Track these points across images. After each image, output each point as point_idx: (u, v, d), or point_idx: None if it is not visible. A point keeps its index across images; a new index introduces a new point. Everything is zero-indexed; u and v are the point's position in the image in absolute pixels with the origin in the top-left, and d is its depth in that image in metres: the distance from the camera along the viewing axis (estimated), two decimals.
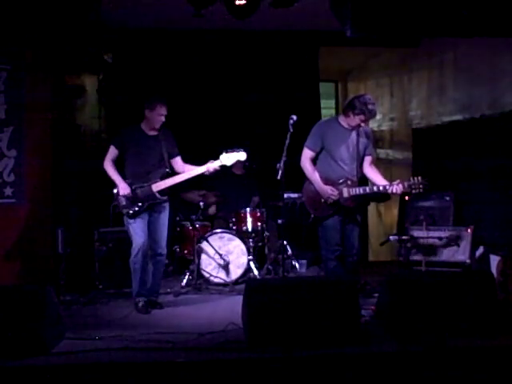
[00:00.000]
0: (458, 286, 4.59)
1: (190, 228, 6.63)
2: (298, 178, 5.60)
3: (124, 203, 5.43)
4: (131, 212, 5.41)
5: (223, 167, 5.55)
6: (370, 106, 5.20)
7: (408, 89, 8.33)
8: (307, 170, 5.37)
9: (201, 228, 6.65)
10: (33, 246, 5.66)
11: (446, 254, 6.14)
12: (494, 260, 5.53)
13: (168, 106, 5.47)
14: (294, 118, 5.18)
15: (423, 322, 4.44)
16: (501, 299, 4.87)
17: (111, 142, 5.60)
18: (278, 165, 5.11)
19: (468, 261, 6.05)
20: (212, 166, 5.42)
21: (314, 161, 5.41)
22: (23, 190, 5.66)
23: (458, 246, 6.09)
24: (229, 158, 5.47)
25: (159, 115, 5.42)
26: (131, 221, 5.44)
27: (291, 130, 5.16)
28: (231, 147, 5.51)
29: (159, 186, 5.43)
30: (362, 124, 5.29)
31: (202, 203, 6.68)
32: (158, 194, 5.43)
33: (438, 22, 4.96)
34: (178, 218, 6.84)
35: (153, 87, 7.51)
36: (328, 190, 5.26)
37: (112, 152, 5.52)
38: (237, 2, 5.32)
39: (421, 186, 5.10)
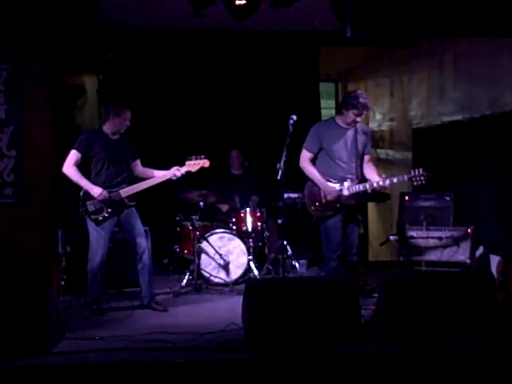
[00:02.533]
0: (458, 286, 4.60)
1: (190, 228, 6.63)
2: (298, 178, 5.60)
3: (93, 209, 5.33)
4: (100, 218, 5.34)
5: (189, 173, 5.58)
6: (361, 100, 5.20)
7: (408, 89, 8.32)
8: (307, 170, 5.38)
9: (201, 228, 6.65)
10: (33, 246, 5.65)
11: (446, 254, 6.13)
12: (494, 260, 5.53)
13: (168, 105, 5.47)
14: (294, 117, 5.18)
15: (423, 322, 4.44)
16: (501, 299, 4.86)
17: (72, 146, 5.36)
18: (278, 165, 5.12)
19: (468, 261, 6.04)
20: (178, 171, 5.47)
21: (314, 161, 5.41)
22: (23, 190, 5.66)
23: (458, 246, 6.08)
24: (194, 165, 5.55)
25: (126, 120, 5.42)
26: (98, 228, 5.35)
27: (291, 130, 5.16)
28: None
29: (127, 191, 5.37)
30: (358, 119, 5.30)
31: (201, 203, 6.68)
32: (126, 200, 5.39)
33: (438, 21, 4.96)
34: (177, 218, 6.84)
35: (152, 87, 7.52)
36: (329, 187, 5.27)
37: (74, 157, 5.32)
38: (237, 2, 5.32)
39: (422, 178, 5.03)
